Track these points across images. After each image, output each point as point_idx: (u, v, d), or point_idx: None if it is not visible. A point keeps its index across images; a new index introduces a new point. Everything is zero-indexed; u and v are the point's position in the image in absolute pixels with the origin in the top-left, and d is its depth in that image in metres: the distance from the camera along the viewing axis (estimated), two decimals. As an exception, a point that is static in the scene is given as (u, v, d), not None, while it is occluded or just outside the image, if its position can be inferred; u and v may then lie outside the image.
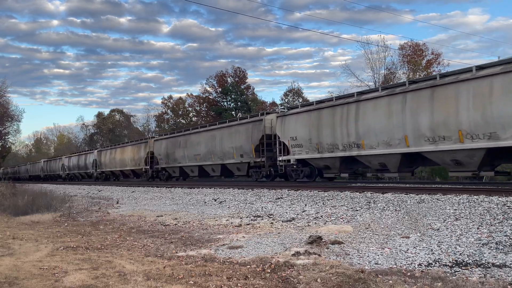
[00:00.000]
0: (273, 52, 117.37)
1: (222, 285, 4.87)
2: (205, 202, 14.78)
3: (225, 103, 55.39)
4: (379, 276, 4.99)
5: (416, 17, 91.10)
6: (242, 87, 55.59)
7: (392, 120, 14.28)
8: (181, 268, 5.74)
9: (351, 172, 17.39)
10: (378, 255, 6.12)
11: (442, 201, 9.26)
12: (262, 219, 10.42)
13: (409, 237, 7.10)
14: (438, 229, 7.42)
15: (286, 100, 51.68)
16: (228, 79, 56.00)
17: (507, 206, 7.97)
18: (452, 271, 5.24)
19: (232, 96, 54.61)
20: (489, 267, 5.32)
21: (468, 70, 12.66)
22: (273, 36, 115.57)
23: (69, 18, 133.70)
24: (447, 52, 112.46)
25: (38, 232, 9.74)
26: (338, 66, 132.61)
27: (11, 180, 59.75)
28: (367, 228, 8.17)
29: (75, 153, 54.34)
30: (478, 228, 7.09)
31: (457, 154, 12.59)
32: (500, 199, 8.58)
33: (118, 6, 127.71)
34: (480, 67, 12.36)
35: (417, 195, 10.33)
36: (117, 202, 18.51)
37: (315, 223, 9.35)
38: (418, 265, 5.58)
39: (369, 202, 10.45)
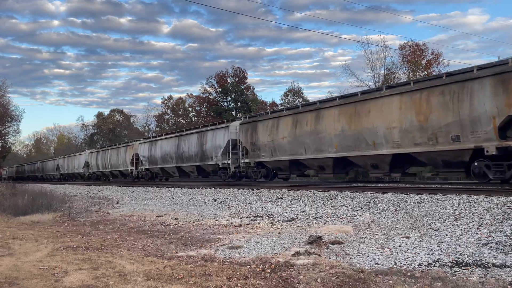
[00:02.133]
0: (273, 52, 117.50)
1: (222, 285, 4.87)
2: (205, 202, 14.78)
3: (225, 103, 55.39)
4: (379, 276, 4.99)
5: (416, 18, 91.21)
6: (242, 87, 55.57)
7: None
8: (181, 268, 5.74)
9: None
10: (378, 255, 6.12)
11: (442, 201, 9.26)
12: (262, 219, 10.42)
13: (409, 237, 7.10)
14: (438, 229, 7.42)
15: (286, 100, 51.69)
16: (228, 79, 56.00)
17: (507, 206, 7.97)
18: (452, 271, 5.24)
19: (232, 96, 54.61)
20: (489, 267, 5.32)
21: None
22: (273, 36, 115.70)
23: (70, 18, 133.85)
24: (447, 52, 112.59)
25: (38, 232, 9.74)
26: (338, 66, 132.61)
27: (25, 181, 53.25)
28: (367, 228, 8.17)
29: (166, 134, 32.71)
30: (478, 228, 7.09)
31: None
32: (500, 199, 8.58)
33: (118, 7, 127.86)
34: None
35: (417, 195, 10.33)
36: (117, 202, 18.51)
37: (315, 223, 9.35)
38: (418, 265, 5.59)
39: (369, 202, 10.46)
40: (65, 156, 54.09)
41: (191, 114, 61.53)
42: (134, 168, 34.74)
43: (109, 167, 39.79)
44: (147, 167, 32.85)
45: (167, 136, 30.78)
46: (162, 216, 12.41)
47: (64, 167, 51.98)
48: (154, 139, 32.91)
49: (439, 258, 5.82)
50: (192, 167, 27.31)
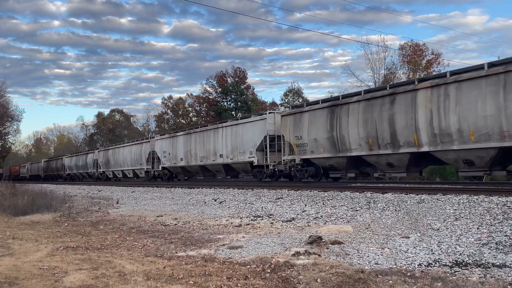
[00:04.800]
0: (273, 53, 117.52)
1: (222, 285, 4.87)
2: (205, 202, 14.78)
3: (225, 103, 55.39)
4: (379, 276, 4.99)
5: (415, 18, 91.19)
6: (242, 87, 55.59)
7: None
8: (181, 268, 5.74)
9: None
10: (378, 255, 6.12)
11: (442, 201, 9.26)
12: (262, 219, 10.42)
13: (409, 237, 7.10)
14: (438, 229, 7.42)
15: (286, 100, 51.69)
16: (228, 79, 56.01)
17: (507, 206, 7.97)
18: (452, 271, 5.24)
19: (232, 96, 54.62)
20: (489, 267, 5.32)
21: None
22: (273, 36, 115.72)
23: (70, 18, 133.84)
24: (447, 53, 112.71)
25: (38, 232, 9.73)
26: (338, 66, 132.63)
27: (70, 183, 42.02)
28: (367, 228, 8.17)
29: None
30: (478, 228, 7.09)
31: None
32: (500, 199, 8.58)
33: (119, 7, 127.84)
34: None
35: (417, 195, 10.33)
36: (117, 202, 18.51)
37: (315, 223, 9.35)
38: (418, 265, 5.58)
39: (369, 202, 10.45)
40: (178, 133, 29.10)
41: (191, 114, 61.56)
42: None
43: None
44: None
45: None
46: (162, 216, 12.41)
47: (176, 155, 28.18)
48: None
49: (439, 258, 5.82)
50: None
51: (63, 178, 52.25)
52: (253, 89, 58.95)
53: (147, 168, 32.98)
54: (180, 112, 63.38)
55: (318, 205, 11.17)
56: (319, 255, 6.21)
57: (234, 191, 16.04)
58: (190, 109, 61.98)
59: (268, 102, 55.96)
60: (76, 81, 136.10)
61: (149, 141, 33.09)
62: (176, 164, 28.80)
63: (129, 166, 36.27)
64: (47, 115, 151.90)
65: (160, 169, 30.99)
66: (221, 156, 24.08)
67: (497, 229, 6.88)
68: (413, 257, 5.95)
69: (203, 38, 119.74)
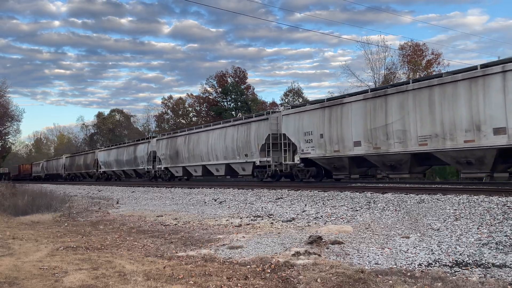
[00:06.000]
0: (273, 53, 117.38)
1: (222, 285, 4.87)
2: (205, 202, 14.78)
3: (225, 103, 55.40)
4: (379, 276, 4.99)
5: (415, 18, 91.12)
6: (242, 87, 55.59)
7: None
8: (181, 268, 5.74)
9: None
10: (378, 255, 6.12)
11: (442, 201, 9.26)
12: (262, 219, 10.42)
13: (409, 237, 7.10)
14: (438, 229, 7.43)
15: (286, 100, 51.72)
16: (228, 79, 56.01)
17: (507, 206, 7.98)
18: (452, 271, 5.24)
19: (232, 96, 54.63)
20: (489, 267, 5.32)
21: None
22: (274, 36, 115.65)
23: (71, 19, 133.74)
24: (447, 53, 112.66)
25: (38, 232, 9.73)
26: (338, 67, 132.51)
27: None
28: (367, 228, 8.17)
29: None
30: (478, 228, 7.10)
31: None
32: (500, 199, 8.58)
33: (119, 7, 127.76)
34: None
35: (417, 195, 10.34)
36: (117, 202, 18.51)
37: (315, 223, 9.35)
38: (418, 265, 5.59)
39: (369, 202, 10.46)
40: (345, 98, 16.85)
41: (191, 114, 61.57)
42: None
43: None
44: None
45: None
46: (162, 216, 12.41)
47: (341, 137, 16.90)
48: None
49: (439, 258, 5.82)
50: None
51: (94, 178, 42.52)
52: (253, 89, 59.04)
53: (261, 161, 20.80)
54: (180, 112, 63.37)
55: (318, 205, 11.17)
56: (319, 255, 6.21)
57: (234, 191, 16.04)
58: (190, 109, 62.00)
59: (268, 102, 56.03)
60: (76, 81, 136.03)
61: (267, 118, 20.56)
62: (335, 153, 16.78)
63: (219, 159, 24.17)
64: (47, 115, 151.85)
65: (296, 161, 19.08)
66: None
67: (497, 229, 6.88)
68: (413, 257, 5.95)
69: (203, 38, 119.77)
